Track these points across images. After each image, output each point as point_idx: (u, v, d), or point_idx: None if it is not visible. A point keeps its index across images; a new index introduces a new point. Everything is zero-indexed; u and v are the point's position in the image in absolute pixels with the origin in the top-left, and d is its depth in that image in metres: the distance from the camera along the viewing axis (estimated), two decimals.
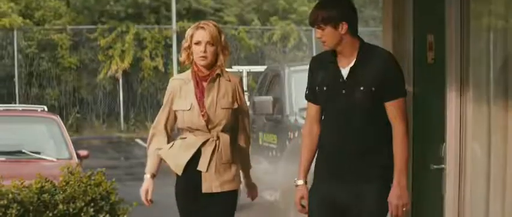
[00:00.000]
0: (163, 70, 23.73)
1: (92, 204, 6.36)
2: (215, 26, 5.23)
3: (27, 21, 23.58)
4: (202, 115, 5.09)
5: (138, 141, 22.07)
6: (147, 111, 23.72)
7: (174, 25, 23.61)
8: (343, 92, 4.54)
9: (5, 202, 6.12)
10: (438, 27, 5.17)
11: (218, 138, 5.09)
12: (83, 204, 6.31)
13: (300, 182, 4.73)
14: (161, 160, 5.20)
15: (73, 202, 6.29)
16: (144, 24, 24.13)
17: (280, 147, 10.22)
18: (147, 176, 5.15)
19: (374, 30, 19.94)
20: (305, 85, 10.73)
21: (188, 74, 5.25)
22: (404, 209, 4.48)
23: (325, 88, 4.59)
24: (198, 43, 5.13)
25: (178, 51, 23.49)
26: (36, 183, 6.27)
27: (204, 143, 5.08)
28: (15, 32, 23.14)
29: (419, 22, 5.59)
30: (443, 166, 5.06)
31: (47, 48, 23.54)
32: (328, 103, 4.62)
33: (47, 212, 6.20)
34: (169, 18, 23.96)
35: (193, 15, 24.20)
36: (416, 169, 5.28)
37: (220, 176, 5.11)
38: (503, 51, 4.70)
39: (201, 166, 5.08)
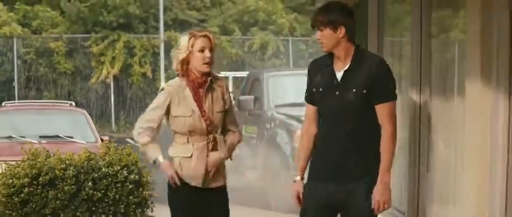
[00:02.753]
0: (151, 76, 24.28)
1: (125, 168, 7.85)
2: (211, 34, 5.22)
3: (26, 29, 24.07)
4: (205, 120, 5.12)
5: (129, 140, 22.02)
6: (136, 113, 23.83)
7: (162, 34, 24.24)
8: (337, 93, 4.55)
9: (64, 165, 7.72)
10: (364, 39, 6.74)
11: (214, 139, 5.17)
12: (119, 167, 7.81)
13: (297, 178, 4.78)
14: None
15: (111, 166, 7.81)
16: (134, 33, 24.60)
17: (259, 136, 11.54)
18: (163, 161, 5.10)
19: None
20: (279, 87, 12.87)
21: (181, 82, 5.18)
22: (385, 206, 4.51)
23: (320, 89, 4.63)
24: (202, 50, 5.09)
25: (166, 59, 23.73)
26: (84, 153, 7.92)
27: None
28: (14, 40, 23.66)
29: (357, 34, 7.36)
30: None
31: (44, 55, 24.05)
32: (322, 104, 4.65)
33: (93, 173, 7.72)
34: (157, 28, 24.58)
35: (180, 25, 25.00)
36: None
37: (216, 172, 5.18)
38: (400, 55, 6.23)
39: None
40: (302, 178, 4.74)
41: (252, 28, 25.60)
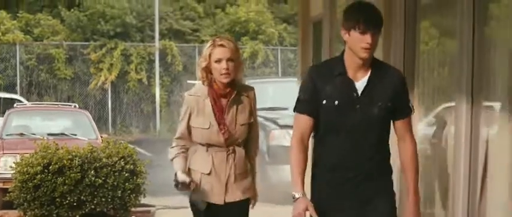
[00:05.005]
0: (146, 82, 24.71)
1: (122, 159, 8.91)
2: (233, 41, 4.87)
3: (28, 37, 24.48)
4: (223, 133, 4.79)
5: (122, 142, 23.63)
6: (132, 117, 24.91)
7: (157, 43, 24.66)
8: (357, 107, 4.00)
9: (70, 156, 8.85)
10: (319, 54, 7.88)
11: (234, 151, 4.85)
12: (117, 159, 8.90)
13: (299, 195, 3.96)
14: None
15: (111, 157, 8.95)
16: (131, 41, 24.97)
17: None
18: (181, 177, 4.79)
19: None
20: (260, 93, 14.21)
21: (203, 90, 4.86)
22: None
23: (336, 102, 4.00)
24: (218, 61, 4.76)
25: (161, 66, 24.52)
26: (88, 146, 9.10)
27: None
28: (17, 46, 24.01)
29: (315, 49, 8.28)
30: None
31: (45, 61, 24.39)
32: (337, 118, 4.01)
33: (95, 163, 8.89)
34: (152, 37, 25.03)
35: (174, 34, 25.74)
36: None
37: (240, 185, 4.88)
38: None
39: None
40: (304, 194, 3.98)
41: (243, 37, 25.77)
